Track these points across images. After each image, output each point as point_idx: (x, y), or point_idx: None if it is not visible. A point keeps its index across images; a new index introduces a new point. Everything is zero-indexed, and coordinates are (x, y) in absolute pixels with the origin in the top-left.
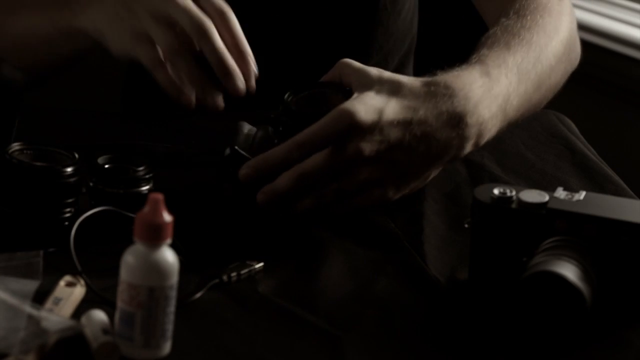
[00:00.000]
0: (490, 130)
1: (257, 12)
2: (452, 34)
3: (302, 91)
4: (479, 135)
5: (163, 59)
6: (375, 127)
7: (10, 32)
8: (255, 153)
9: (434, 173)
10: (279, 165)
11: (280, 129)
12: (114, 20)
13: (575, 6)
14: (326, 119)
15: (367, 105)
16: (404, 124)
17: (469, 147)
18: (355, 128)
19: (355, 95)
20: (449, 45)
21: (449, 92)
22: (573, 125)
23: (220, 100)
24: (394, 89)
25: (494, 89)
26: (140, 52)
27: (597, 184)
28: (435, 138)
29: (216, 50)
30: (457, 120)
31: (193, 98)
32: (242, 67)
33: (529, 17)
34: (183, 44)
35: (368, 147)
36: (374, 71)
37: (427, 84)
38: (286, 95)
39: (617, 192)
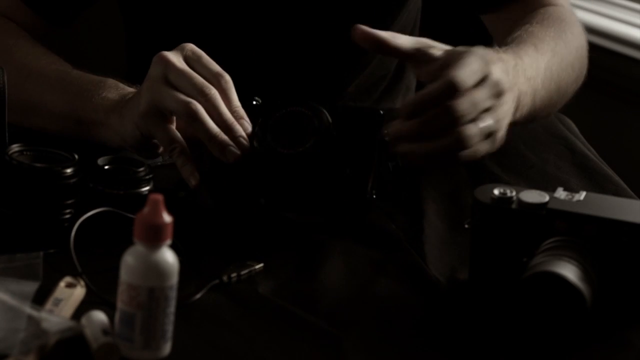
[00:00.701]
0: (524, 107)
1: (263, 12)
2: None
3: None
4: (517, 106)
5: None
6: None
7: (23, 98)
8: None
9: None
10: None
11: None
12: (125, 123)
13: (575, 6)
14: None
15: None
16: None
17: (512, 114)
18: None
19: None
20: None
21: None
22: (573, 125)
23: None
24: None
25: (527, 72)
26: (157, 132)
27: (597, 184)
28: (508, 95)
29: (222, 116)
30: (508, 86)
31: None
32: (236, 132)
33: (553, 29)
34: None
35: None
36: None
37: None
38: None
39: (617, 192)
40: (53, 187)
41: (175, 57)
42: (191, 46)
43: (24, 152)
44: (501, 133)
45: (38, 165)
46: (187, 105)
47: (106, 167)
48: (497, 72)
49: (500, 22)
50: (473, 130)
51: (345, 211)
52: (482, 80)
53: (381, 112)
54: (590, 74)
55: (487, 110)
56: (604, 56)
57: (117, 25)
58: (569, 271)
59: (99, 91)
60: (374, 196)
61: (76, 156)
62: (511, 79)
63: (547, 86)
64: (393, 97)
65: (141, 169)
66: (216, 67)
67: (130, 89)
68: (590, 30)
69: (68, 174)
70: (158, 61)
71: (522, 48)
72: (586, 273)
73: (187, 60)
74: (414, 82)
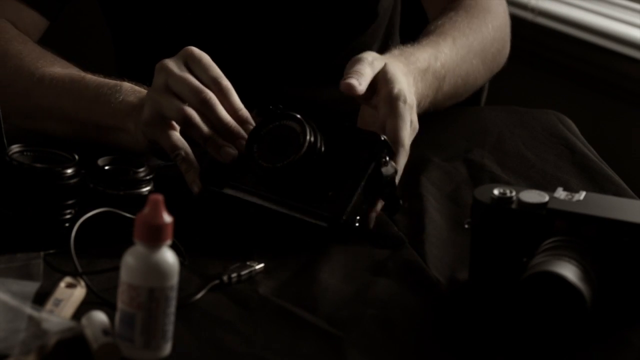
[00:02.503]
0: (423, 107)
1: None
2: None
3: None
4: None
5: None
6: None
7: (35, 103)
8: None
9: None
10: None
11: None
12: (137, 130)
13: (575, 6)
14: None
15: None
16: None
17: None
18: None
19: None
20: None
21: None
22: (573, 125)
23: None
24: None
25: (436, 72)
26: (162, 137)
27: (598, 184)
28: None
29: (220, 119)
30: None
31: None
32: (235, 134)
33: (475, 21)
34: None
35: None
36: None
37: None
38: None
39: (618, 192)
40: (53, 187)
41: (174, 64)
42: (191, 50)
43: (24, 153)
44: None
45: (38, 165)
46: (181, 112)
47: (106, 167)
48: (408, 93)
49: (432, 3)
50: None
51: (318, 232)
52: (394, 114)
53: (383, 138)
54: (591, 74)
55: None
56: (604, 56)
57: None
58: (569, 271)
59: (116, 95)
60: (357, 224)
61: (76, 156)
62: (412, 89)
63: (453, 82)
64: None
65: (141, 169)
66: (216, 70)
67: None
68: (590, 30)
69: (68, 174)
70: (159, 69)
71: (438, 42)
72: (586, 273)
73: (187, 65)
74: None
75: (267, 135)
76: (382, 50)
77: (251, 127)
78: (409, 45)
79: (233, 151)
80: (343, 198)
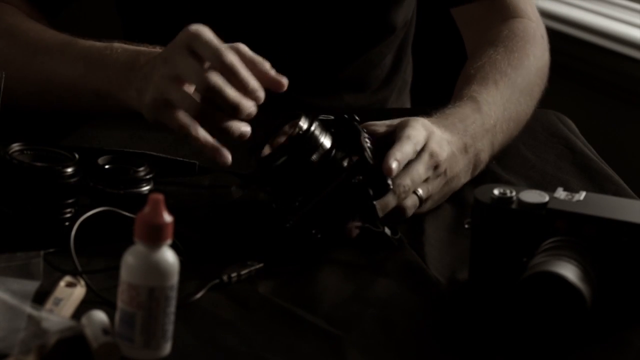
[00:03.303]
0: (483, 162)
1: (264, 3)
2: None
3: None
4: (475, 165)
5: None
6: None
7: (31, 76)
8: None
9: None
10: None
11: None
12: (140, 95)
13: (575, 6)
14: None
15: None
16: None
17: (469, 176)
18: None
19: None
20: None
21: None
22: (573, 125)
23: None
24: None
25: (485, 124)
26: (166, 119)
27: (598, 183)
28: (458, 163)
29: (230, 104)
30: (464, 149)
31: (228, 156)
32: (267, 84)
33: (516, 55)
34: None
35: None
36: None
37: (437, 118)
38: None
39: (618, 192)
40: (53, 186)
41: (178, 54)
42: (189, 32)
43: (24, 151)
44: (430, 202)
45: (38, 164)
46: (206, 76)
47: (106, 166)
48: (433, 144)
49: (467, 20)
50: (412, 200)
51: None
52: (421, 151)
53: (369, 160)
54: (591, 74)
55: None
56: (604, 56)
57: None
58: (569, 271)
59: (106, 59)
60: (319, 235)
61: (76, 156)
62: (452, 143)
63: (506, 127)
64: (391, 88)
65: (141, 168)
66: (217, 44)
67: (141, 48)
68: (591, 30)
69: (68, 174)
70: (164, 61)
71: (481, 91)
72: (586, 273)
73: (190, 49)
74: (410, 72)
75: (270, 136)
76: (395, 60)
77: (273, 73)
78: (457, 108)
79: (246, 128)
80: (301, 207)
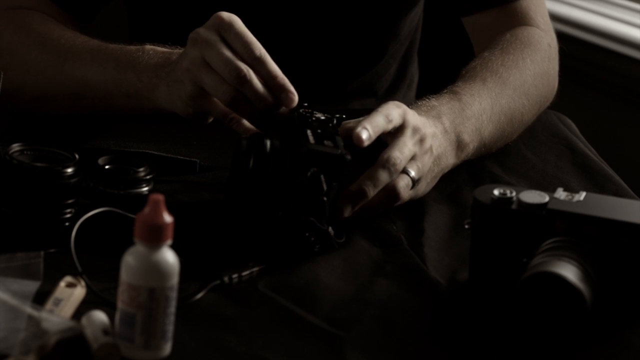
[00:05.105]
0: (468, 145)
1: (274, 18)
2: (455, 35)
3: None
4: (459, 146)
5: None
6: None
7: (64, 82)
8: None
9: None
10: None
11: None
12: (171, 90)
13: (575, 6)
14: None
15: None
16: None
17: (455, 157)
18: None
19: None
20: (452, 46)
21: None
22: (573, 125)
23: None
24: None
25: (466, 111)
26: (207, 109)
27: (598, 184)
28: (441, 143)
29: (257, 95)
30: (443, 130)
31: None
32: (284, 100)
33: (511, 57)
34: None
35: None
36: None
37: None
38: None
39: (618, 192)
40: (53, 186)
41: (208, 35)
42: (221, 17)
43: (25, 152)
44: (423, 183)
45: (38, 164)
46: (226, 93)
47: (106, 167)
48: (413, 119)
49: (477, 28)
50: (405, 181)
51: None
52: (401, 127)
53: (347, 158)
54: (591, 74)
55: (412, 158)
56: (604, 56)
57: (120, 23)
58: (569, 272)
59: (139, 60)
60: (312, 238)
61: (76, 156)
62: (431, 125)
63: (496, 120)
64: (396, 95)
65: (141, 169)
66: (249, 38)
67: (173, 50)
68: (591, 30)
69: (68, 174)
70: (193, 41)
71: (464, 86)
72: (586, 273)
73: (220, 34)
74: (416, 79)
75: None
76: (400, 68)
77: (290, 95)
78: (432, 99)
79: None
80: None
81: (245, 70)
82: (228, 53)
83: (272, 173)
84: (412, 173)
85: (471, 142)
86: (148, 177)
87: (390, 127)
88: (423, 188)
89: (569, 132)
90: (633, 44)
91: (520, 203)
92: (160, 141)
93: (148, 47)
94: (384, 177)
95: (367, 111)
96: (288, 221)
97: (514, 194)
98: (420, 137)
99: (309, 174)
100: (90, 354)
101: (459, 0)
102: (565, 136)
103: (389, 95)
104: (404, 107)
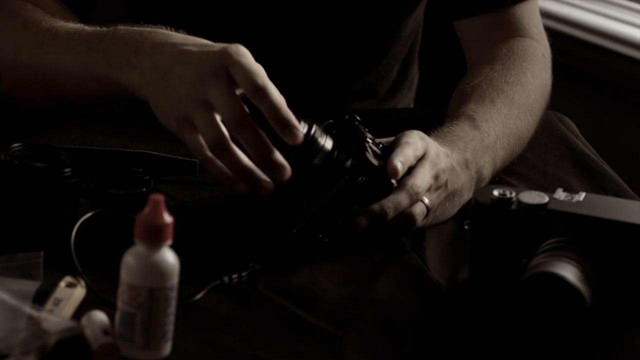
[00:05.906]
0: (485, 179)
1: (276, 18)
2: (454, 37)
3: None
4: (478, 182)
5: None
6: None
7: (38, 66)
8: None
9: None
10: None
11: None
12: (157, 92)
13: (576, 6)
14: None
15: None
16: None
17: (472, 192)
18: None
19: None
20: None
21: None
22: (573, 125)
23: (270, 185)
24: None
25: (485, 141)
26: (186, 139)
27: (598, 184)
28: (459, 178)
29: (253, 143)
30: (464, 164)
31: (243, 186)
32: (286, 136)
33: (513, 72)
34: (224, 137)
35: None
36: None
37: (436, 136)
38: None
39: (618, 192)
40: (53, 187)
41: (215, 76)
42: (230, 55)
43: (24, 152)
44: (431, 215)
45: (38, 165)
46: (236, 108)
47: (106, 167)
48: (432, 153)
49: (469, 35)
50: (420, 208)
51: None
52: (422, 158)
53: (372, 160)
54: (591, 74)
55: (427, 190)
56: (604, 56)
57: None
58: (569, 272)
59: (110, 46)
60: (325, 240)
61: (76, 156)
62: (452, 157)
63: (506, 143)
64: (396, 96)
65: (141, 169)
66: (259, 79)
67: (144, 28)
68: (591, 30)
69: (68, 174)
70: (199, 78)
71: (478, 110)
72: (586, 274)
73: (227, 71)
74: (416, 81)
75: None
76: (401, 70)
77: (294, 130)
78: (455, 126)
79: (269, 186)
80: (306, 211)
81: (244, 113)
82: (231, 97)
83: (320, 168)
84: (427, 202)
85: (487, 176)
86: (148, 177)
87: (415, 161)
88: (430, 220)
89: (569, 132)
90: (633, 44)
91: (520, 203)
92: (160, 141)
93: (121, 27)
94: (405, 201)
95: (368, 112)
96: (309, 212)
97: (513, 194)
98: (437, 172)
99: (359, 180)
100: (90, 354)
101: (453, 3)
102: (565, 136)
103: (390, 96)
104: (427, 138)
